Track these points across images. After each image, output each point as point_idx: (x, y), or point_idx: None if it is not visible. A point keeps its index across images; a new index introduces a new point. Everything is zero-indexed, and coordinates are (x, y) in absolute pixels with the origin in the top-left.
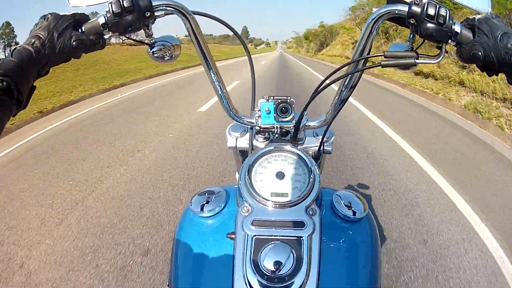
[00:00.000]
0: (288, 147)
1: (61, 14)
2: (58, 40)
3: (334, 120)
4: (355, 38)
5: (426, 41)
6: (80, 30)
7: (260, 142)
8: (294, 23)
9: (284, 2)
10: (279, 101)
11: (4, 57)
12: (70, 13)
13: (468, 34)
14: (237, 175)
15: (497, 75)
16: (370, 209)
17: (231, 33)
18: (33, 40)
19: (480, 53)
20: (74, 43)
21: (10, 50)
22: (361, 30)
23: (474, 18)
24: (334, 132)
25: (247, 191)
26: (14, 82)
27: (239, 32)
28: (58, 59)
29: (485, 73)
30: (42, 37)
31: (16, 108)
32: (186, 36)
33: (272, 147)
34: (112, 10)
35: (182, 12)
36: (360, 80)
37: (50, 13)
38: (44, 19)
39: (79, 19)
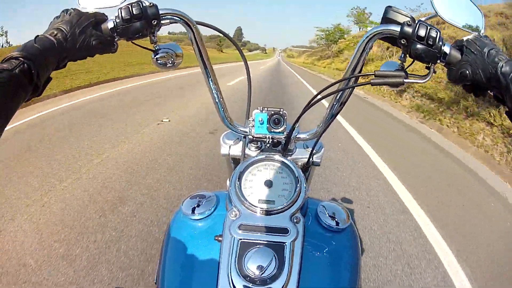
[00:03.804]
0: (277, 157)
1: (83, 11)
2: (79, 36)
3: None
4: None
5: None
6: (98, 30)
7: (252, 151)
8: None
9: (285, 12)
10: (272, 112)
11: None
12: (92, 12)
13: (456, 54)
14: (228, 182)
15: (484, 95)
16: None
17: (220, 34)
18: (55, 32)
19: (467, 72)
20: (94, 42)
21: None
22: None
23: (463, 39)
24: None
25: (236, 197)
26: (35, 67)
27: (233, 34)
28: (77, 55)
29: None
30: (65, 31)
31: (32, 93)
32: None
33: (263, 156)
34: (122, 15)
35: (186, 22)
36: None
37: (72, 8)
38: (66, 13)
39: (98, 20)
